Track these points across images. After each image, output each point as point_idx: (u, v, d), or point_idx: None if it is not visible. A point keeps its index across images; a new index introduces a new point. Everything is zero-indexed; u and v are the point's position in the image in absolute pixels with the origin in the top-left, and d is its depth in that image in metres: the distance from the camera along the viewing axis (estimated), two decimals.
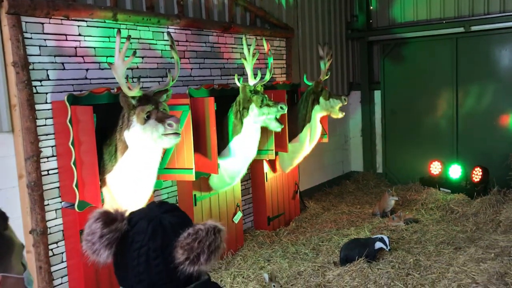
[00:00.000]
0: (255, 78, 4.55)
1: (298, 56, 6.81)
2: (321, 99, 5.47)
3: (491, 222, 5.61)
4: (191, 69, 4.94)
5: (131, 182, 3.58)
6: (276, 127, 4.59)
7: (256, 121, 4.51)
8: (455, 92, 7.48)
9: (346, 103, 5.49)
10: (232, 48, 5.52)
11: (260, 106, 4.45)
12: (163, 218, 1.29)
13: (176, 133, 3.37)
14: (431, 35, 7.51)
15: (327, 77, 5.85)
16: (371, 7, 8.25)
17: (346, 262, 4.58)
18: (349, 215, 6.40)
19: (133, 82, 3.62)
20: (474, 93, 7.37)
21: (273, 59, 6.20)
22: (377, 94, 8.36)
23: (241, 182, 5.58)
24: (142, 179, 3.61)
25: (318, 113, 5.57)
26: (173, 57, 3.78)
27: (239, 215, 5.29)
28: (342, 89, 8.31)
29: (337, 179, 8.10)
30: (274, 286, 3.83)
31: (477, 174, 6.69)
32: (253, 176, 5.84)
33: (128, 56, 3.37)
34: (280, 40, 6.36)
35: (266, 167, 5.80)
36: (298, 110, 5.70)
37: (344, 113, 5.63)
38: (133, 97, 3.39)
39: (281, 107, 4.47)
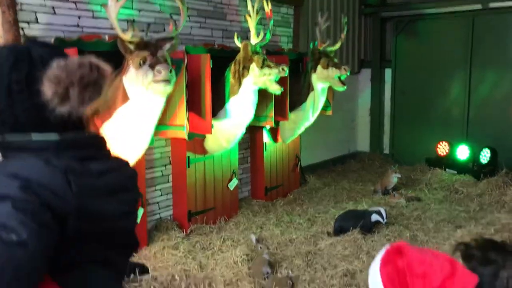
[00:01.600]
0: (258, 37, 4.38)
1: (307, 27, 6.60)
2: (319, 67, 5.24)
3: (496, 203, 5.40)
4: (191, 27, 4.79)
5: (127, 132, 3.48)
6: (276, 89, 4.41)
7: (255, 82, 4.35)
8: (469, 74, 7.21)
9: (346, 73, 5.17)
10: (237, 10, 5.35)
11: (261, 67, 4.28)
12: (33, 49, 1.10)
13: (166, 81, 3.26)
14: (447, 12, 7.23)
15: (333, 48, 5.58)
16: None
17: (340, 233, 4.44)
18: (350, 191, 6.22)
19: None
20: (489, 76, 7.10)
21: (280, 27, 6.04)
22: (388, 73, 8.12)
23: (240, 150, 5.46)
24: (139, 131, 3.52)
25: (317, 83, 5.34)
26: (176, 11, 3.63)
27: (235, 181, 5.17)
28: (353, 66, 8.06)
29: (342, 158, 7.92)
30: (260, 247, 3.71)
31: (485, 156, 6.46)
32: (252, 145, 5.70)
33: None
34: (288, 8, 6.17)
35: (266, 137, 5.66)
36: (303, 80, 5.52)
37: (345, 86, 5.32)
38: (130, 42, 3.29)
39: (282, 69, 4.30)
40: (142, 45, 3.33)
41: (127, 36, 3.27)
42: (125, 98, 3.46)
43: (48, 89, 0.98)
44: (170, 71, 3.28)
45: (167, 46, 3.46)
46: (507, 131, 6.76)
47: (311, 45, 5.55)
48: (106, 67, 1.04)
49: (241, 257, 3.80)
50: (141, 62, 3.29)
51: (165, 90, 3.33)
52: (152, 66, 3.24)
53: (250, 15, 4.36)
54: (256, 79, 4.31)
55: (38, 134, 1.07)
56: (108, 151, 1.18)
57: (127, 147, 3.53)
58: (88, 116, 1.09)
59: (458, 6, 7.09)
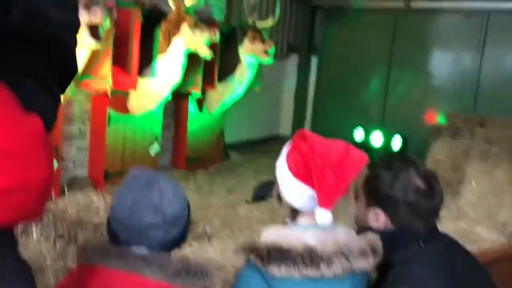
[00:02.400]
0: None
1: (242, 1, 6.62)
2: (245, 40, 5.24)
3: None
4: None
5: None
6: (206, 53, 4.37)
7: (186, 43, 4.29)
8: (388, 68, 7.66)
9: (270, 48, 5.20)
10: None
11: (193, 28, 4.23)
12: None
13: (98, 37, 3.24)
14: (373, 8, 7.60)
15: (265, 25, 5.58)
16: None
17: (258, 200, 4.53)
18: (270, 167, 6.30)
19: None
20: (407, 73, 7.58)
21: None
22: (314, 60, 8.38)
23: (164, 118, 5.37)
24: None
25: (244, 56, 5.28)
26: None
27: (156, 147, 5.08)
28: (282, 51, 8.24)
29: (265, 139, 8.06)
30: None
31: (397, 143, 6.89)
32: (177, 112, 5.64)
33: None
34: None
35: (192, 106, 5.62)
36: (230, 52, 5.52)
37: (271, 59, 5.35)
38: None
39: (214, 33, 4.28)
40: None
41: None
42: None
43: None
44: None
45: None
46: (419, 122, 7.27)
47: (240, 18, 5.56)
48: None
49: None
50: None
51: (92, 45, 3.22)
52: (87, 7, 3.11)
53: None
54: (187, 40, 4.25)
55: None
56: None
57: None
58: None
59: (383, 1, 7.47)
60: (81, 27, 3.11)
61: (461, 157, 5.24)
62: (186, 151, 5.66)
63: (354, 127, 7.50)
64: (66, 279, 1.56)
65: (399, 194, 1.55)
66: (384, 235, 1.51)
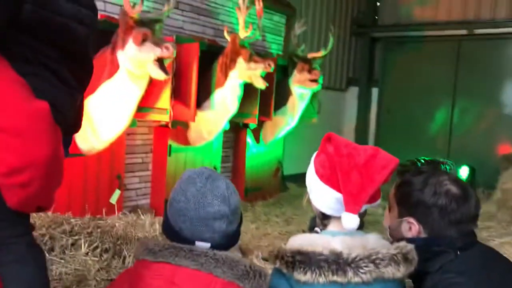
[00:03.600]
0: (246, 31, 4.49)
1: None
2: (294, 71, 5.35)
3: None
4: (183, 21, 4.91)
5: (111, 106, 3.54)
6: (261, 84, 4.50)
7: (241, 76, 4.44)
8: (453, 97, 7.41)
9: (317, 78, 5.24)
10: (230, 12, 5.48)
11: (248, 61, 4.37)
12: None
13: (166, 72, 3.45)
14: (434, 35, 7.46)
15: (316, 55, 5.60)
16: (378, 4, 8.23)
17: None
18: None
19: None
20: (473, 102, 7.30)
21: (271, 34, 6.19)
22: (375, 92, 8.29)
23: (223, 148, 5.51)
24: (122, 105, 3.58)
25: (294, 87, 5.40)
26: None
27: None
28: (340, 83, 8.26)
29: None
30: None
31: (464, 173, 6.58)
32: (235, 144, 5.76)
33: None
34: (280, 17, 6.34)
35: (249, 138, 5.72)
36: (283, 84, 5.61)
37: (319, 85, 5.35)
38: (131, 18, 3.39)
39: (268, 64, 4.39)
40: (140, 23, 3.44)
41: (133, 12, 3.37)
42: (112, 73, 3.52)
43: None
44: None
45: (156, 27, 3.56)
46: (487, 152, 6.91)
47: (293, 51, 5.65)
48: None
49: None
50: (143, 39, 3.39)
51: (162, 77, 3.46)
52: (156, 44, 3.35)
53: (240, 9, 4.48)
54: (242, 72, 4.39)
55: None
56: None
57: (109, 122, 3.58)
58: None
59: (444, 30, 7.32)
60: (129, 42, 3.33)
61: None
62: (245, 182, 5.73)
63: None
64: (123, 274, 1.57)
65: (430, 198, 1.50)
66: (417, 242, 1.45)
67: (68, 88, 1.17)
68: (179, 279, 1.33)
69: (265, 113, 5.29)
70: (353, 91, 8.43)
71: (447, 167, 1.61)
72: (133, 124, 4.13)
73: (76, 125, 1.54)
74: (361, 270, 1.30)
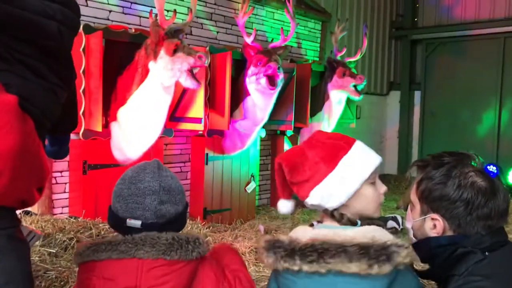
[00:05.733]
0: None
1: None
2: (334, 76, 5.28)
3: None
4: (217, 32, 4.99)
5: (142, 117, 3.62)
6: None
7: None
8: (499, 96, 7.11)
9: (362, 83, 5.18)
10: (263, 20, 5.53)
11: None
12: None
13: (198, 82, 3.51)
14: (477, 34, 7.21)
15: (352, 59, 5.59)
16: (417, 5, 8.06)
17: None
18: None
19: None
20: None
21: (307, 41, 6.18)
22: (417, 96, 8.09)
23: (261, 156, 5.54)
24: (153, 115, 3.64)
25: (333, 92, 5.37)
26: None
27: (253, 185, 5.21)
28: (381, 88, 8.12)
29: None
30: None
31: None
32: (273, 151, 5.76)
33: None
34: (315, 23, 6.33)
35: (287, 145, 5.71)
36: (320, 89, 5.57)
37: (361, 96, 5.31)
38: (163, 29, 3.48)
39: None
40: (169, 34, 3.51)
41: (167, 22, 3.47)
42: (141, 81, 3.60)
43: None
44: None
45: (180, 37, 3.62)
46: None
47: (328, 55, 5.62)
48: None
49: (249, 248, 3.81)
50: (174, 50, 3.45)
51: (195, 87, 3.53)
52: (188, 53, 3.42)
53: None
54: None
55: None
56: None
57: (141, 133, 3.65)
58: None
59: (488, 28, 7.06)
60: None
61: None
62: None
63: None
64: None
65: (454, 191, 1.38)
66: (441, 241, 1.38)
67: (47, 84, 1.21)
68: (108, 273, 1.35)
69: (301, 120, 5.27)
70: (395, 95, 8.26)
71: (472, 162, 1.48)
72: (170, 134, 4.24)
73: (69, 122, 1.59)
74: (307, 259, 1.24)
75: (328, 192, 1.37)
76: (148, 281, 1.33)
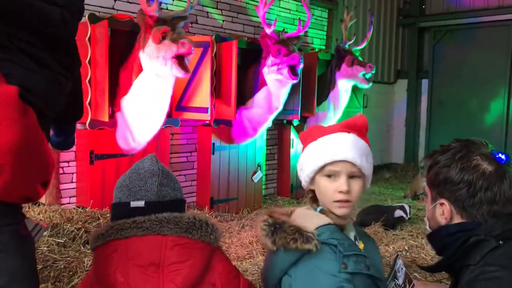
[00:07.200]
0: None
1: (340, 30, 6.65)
2: (343, 65, 5.22)
3: None
4: (223, 21, 4.95)
5: (142, 106, 3.59)
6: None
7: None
8: (508, 83, 7.03)
9: (371, 71, 5.11)
10: (270, 8, 5.47)
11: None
12: None
13: (187, 70, 3.39)
14: (485, 21, 7.11)
15: (359, 47, 5.52)
16: None
17: (362, 226, 4.37)
18: (379, 195, 6.13)
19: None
20: None
21: (313, 29, 6.13)
22: (425, 84, 8.02)
23: (267, 146, 5.52)
24: (153, 105, 3.61)
25: (341, 81, 5.31)
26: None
27: (259, 174, 5.20)
28: (389, 76, 8.05)
29: (375, 168, 7.77)
30: None
31: None
32: (279, 141, 5.74)
33: None
34: (322, 11, 6.26)
35: (293, 134, 5.68)
36: (326, 77, 5.52)
37: (370, 84, 5.22)
38: (150, 17, 3.41)
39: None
40: (160, 21, 3.40)
41: (150, 11, 3.37)
42: (139, 71, 3.56)
43: None
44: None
45: (181, 24, 3.55)
46: None
47: (336, 43, 5.55)
48: None
49: (256, 237, 3.81)
50: (162, 37, 3.34)
51: (180, 74, 3.41)
52: (174, 41, 3.33)
53: None
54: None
55: None
56: None
57: (145, 120, 3.63)
58: None
59: (496, 15, 6.97)
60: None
61: None
62: (290, 179, 5.70)
63: None
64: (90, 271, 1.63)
65: (456, 173, 1.38)
66: (450, 230, 1.37)
67: (51, 73, 1.16)
68: (133, 249, 1.38)
69: (307, 109, 5.24)
70: (402, 84, 8.19)
71: (481, 149, 1.46)
72: (176, 123, 4.22)
73: (74, 112, 1.55)
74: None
75: (299, 173, 1.56)
76: (171, 257, 1.38)
